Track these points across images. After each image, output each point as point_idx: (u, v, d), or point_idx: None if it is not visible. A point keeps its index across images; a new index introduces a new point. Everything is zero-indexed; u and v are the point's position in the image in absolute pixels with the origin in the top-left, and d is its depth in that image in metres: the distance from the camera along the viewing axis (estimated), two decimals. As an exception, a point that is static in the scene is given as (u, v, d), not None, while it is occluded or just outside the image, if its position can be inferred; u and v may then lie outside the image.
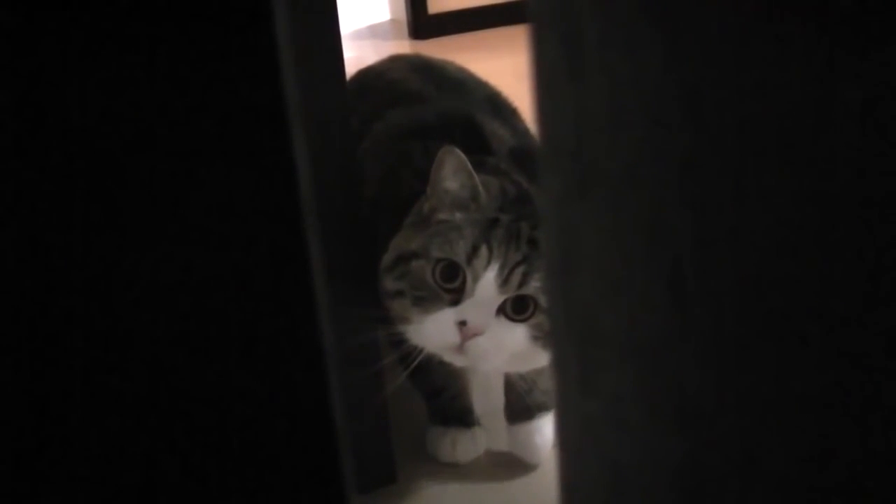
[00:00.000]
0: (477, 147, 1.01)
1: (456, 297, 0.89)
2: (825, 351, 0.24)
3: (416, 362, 0.94)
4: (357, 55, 2.59)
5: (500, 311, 0.89)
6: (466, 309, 0.89)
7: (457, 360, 0.93)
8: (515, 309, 0.89)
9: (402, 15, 3.71)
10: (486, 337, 0.88)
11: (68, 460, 0.32)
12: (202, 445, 0.33)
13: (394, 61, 1.32)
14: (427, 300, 0.90)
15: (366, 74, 1.30)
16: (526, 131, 1.13)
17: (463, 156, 0.90)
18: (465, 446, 1.08)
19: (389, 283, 0.93)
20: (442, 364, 0.98)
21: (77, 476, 0.32)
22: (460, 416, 1.10)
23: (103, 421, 0.31)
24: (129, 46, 0.29)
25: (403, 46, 3.51)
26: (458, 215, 0.91)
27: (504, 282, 0.88)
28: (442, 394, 1.09)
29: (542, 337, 0.90)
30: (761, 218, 0.24)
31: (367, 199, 1.01)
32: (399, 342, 0.95)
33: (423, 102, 1.12)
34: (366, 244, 0.98)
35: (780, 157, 0.23)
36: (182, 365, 0.32)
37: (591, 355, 0.29)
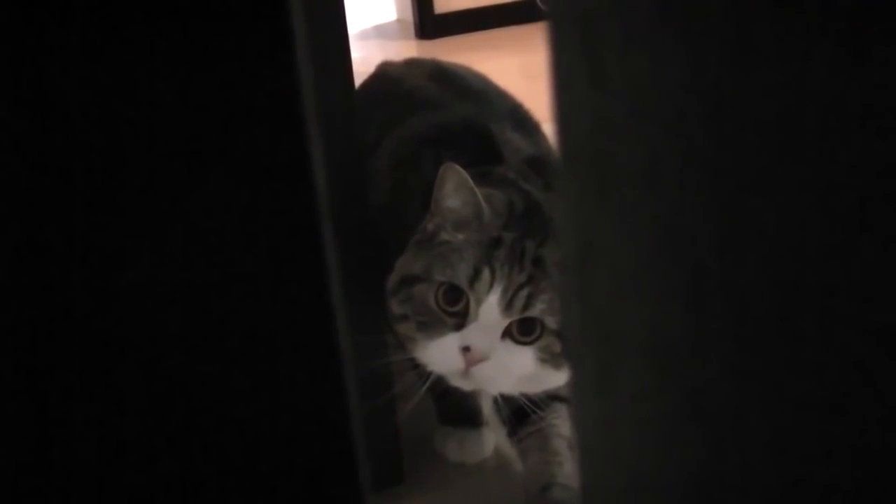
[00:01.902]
0: (488, 156, 1.00)
1: (459, 321, 0.88)
2: (843, 350, 0.23)
3: (428, 381, 0.92)
4: (363, 55, 2.60)
5: (507, 333, 0.88)
6: (470, 334, 0.87)
7: (464, 385, 0.92)
8: (522, 331, 0.88)
9: (409, 15, 3.72)
10: (491, 362, 0.87)
11: (69, 460, 0.31)
12: (216, 446, 0.32)
13: (411, 67, 1.29)
14: (431, 325, 0.89)
15: (382, 80, 1.27)
16: (549, 144, 1.10)
17: (464, 173, 0.88)
18: (473, 447, 1.08)
19: (395, 307, 0.92)
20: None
21: (78, 476, 0.32)
22: (469, 416, 1.09)
23: (104, 421, 0.31)
24: (145, 45, 0.29)
25: (410, 46, 3.51)
26: (461, 236, 0.89)
27: (508, 305, 0.86)
28: (450, 394, 1.09)
29: (551, 359, 0.88)
30: (776, 219, 0.24)
31: (377, 207, 1.00)
32: (416, 365, 0.94)
33: (438, 110, 1.11)
34: (372, 251, 0.97)
35: (793, 159, 0.23)
36: (193, 366, 0.32)
37: (607, 355, 0.29)
